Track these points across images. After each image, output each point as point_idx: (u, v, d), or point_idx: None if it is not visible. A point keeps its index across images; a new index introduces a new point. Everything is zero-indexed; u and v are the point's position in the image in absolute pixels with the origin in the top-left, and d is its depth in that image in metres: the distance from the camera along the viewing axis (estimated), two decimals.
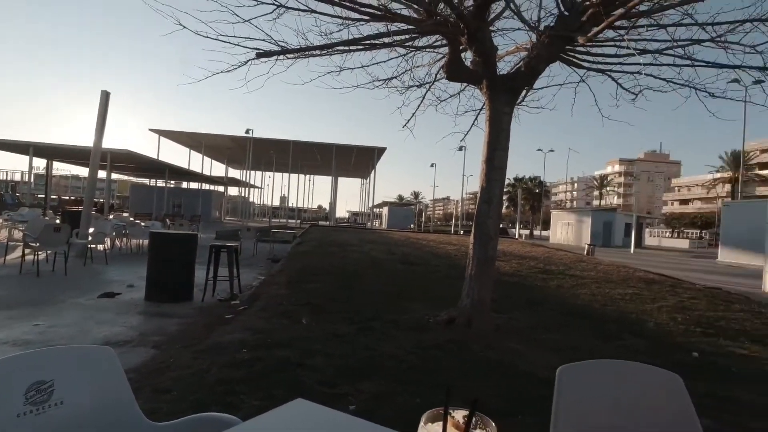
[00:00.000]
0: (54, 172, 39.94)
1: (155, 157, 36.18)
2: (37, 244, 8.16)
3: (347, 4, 4.67)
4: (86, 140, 34.01)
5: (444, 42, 5.60)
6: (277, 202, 69.18)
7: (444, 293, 6.51)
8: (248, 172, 46.04)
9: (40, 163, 36.55)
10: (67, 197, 64.79)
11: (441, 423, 0.65)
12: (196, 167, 44.19)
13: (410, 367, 3.65)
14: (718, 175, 61.81)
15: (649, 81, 5.47)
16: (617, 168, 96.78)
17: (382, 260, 11.29)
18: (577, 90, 6.10)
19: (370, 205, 52.26)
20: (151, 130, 39.15)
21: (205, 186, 50.29)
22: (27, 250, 8.32)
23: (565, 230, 39.91)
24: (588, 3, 4.68)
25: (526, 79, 5.39)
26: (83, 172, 53.81)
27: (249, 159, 39.26)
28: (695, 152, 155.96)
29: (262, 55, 4.88)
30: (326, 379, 3.23)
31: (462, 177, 55.64)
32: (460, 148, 35.57)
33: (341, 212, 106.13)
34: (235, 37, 4.67)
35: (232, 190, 61.66)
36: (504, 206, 51.24)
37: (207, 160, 49.01)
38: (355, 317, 5.16)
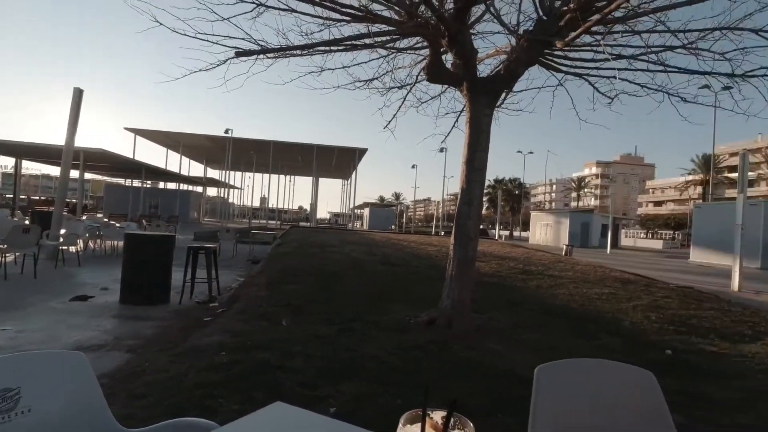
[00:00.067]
0: (23, 171, 38.68)
1: (131, 156, 35.38)
2: (5, 246, 7.88)
3: (328, 4, 4.66)
4: (58, 139, 33.06)
5: (425, 44, 5.63)
6: (257, 203, 68.37)
7: (425, 294, 6.53)
8: (227, 172, 45.45)
9: (8, 162, 35.37)
10: (38, 197, 62.91)
11: (420, 424, 0.64)
12: (173, 167, 43.46)
13: (391, 368, 3.65)
14: (690, 177, 63.82)
15: (625, 85, 5.63)
16: (594, 170, 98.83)
17: (363, 261, 11.28)
18: (555, 93, 6.23)
19: (352, 206, 52.18)
20: (126, 128, 38.33)
21: (183, 186, 49.38)
22: None
23: (544, 231, 40.49)
24: (566, 8, 4.78)
25: (506, 81, 5.47)
26: (54, 171, 52.40)
27: (228, 159, 38.75)
28: (669, 155, 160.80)
29: (241, 54, 4.83)
30: (307, 381, 3.21)
31: (443, 178, 56.02)
32: (441, 150, 35.78)
33: (322, 213, 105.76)
34: (213, 35, 4.63)
35: (211, 191, 60.87)
36: (484, 207, 51.85)
37: (185, 160, 48.21)
38: (336, 318, 5.14)
